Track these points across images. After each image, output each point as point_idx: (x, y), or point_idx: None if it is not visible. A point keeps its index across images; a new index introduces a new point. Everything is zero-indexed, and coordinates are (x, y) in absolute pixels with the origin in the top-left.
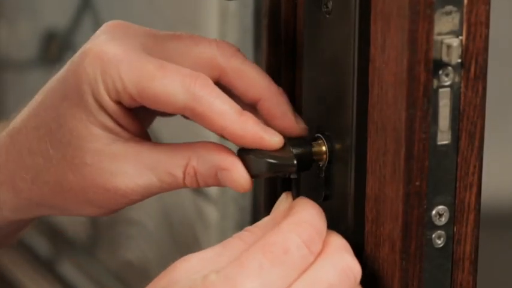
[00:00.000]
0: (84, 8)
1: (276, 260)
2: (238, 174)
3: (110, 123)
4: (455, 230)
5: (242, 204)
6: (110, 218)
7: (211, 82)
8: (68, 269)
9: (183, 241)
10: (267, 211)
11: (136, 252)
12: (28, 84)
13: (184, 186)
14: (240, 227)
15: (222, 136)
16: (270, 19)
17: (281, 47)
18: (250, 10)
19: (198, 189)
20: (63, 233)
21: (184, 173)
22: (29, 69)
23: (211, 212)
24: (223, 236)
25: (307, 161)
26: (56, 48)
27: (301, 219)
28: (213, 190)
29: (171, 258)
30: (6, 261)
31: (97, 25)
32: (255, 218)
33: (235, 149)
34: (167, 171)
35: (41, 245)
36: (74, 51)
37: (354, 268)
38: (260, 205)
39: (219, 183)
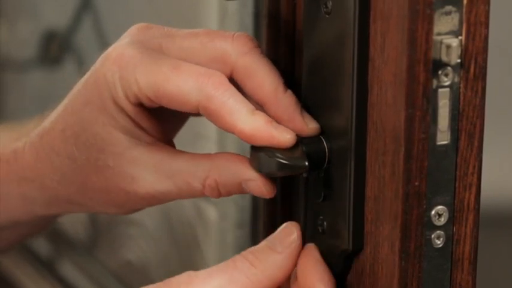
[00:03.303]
0: (84, 8)
1: None
2: (264, 182)
3: (131, 127)
4: (454, 230)
5: (242, 204)
6: (110, 218)
7: (225, 80)
8: (68, 269)
9: (183, 241)
10: (267, 211)
11: (136, 252)
12: (28, 84)
13: (205, 195)
14: (239, 227)
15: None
16: (269, 19)
17: (280, 47)
18: (249, 10)
19: None
20: (63, 233)
21: (203, 185)
22: (29, 69)
23: (211, 212)
24: (222, 236)
25: (319, 160)
26: (56, 48)
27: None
28: None
29: (171, 258)
30: (7, 262)
31: (97, 25)
32: (255, 217)
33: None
34: (186, 181)
35: (41, 245)
36: (74, 51)
37: None
38: (259, 205)
39: (242, 192)
